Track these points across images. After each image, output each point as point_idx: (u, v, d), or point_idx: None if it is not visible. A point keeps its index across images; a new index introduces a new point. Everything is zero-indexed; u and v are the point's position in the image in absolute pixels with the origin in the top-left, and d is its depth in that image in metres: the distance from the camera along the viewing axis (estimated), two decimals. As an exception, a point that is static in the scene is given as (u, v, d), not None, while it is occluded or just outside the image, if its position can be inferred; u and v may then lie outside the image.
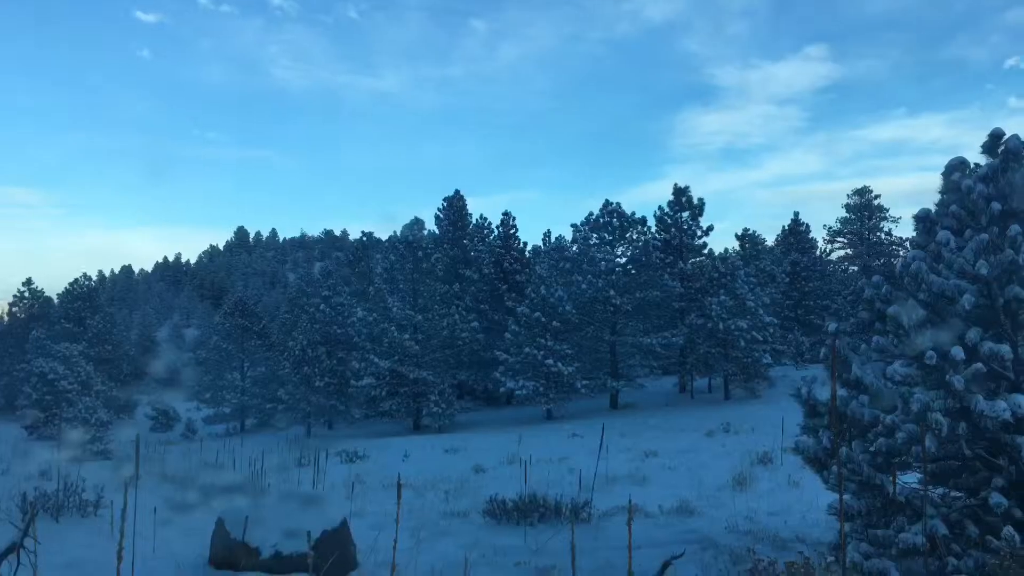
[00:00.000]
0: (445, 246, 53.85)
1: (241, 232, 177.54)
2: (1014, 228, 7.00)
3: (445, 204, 58.07)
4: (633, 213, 44.90)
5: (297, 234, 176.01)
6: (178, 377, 59.34)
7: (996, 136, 8.40)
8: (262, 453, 22.07)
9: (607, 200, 44.96)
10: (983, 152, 8.71)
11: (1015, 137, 7.69)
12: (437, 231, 58.21)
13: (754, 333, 39.75)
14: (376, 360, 43.38)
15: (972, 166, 8.94)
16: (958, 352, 6.33)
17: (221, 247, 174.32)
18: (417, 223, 47.96)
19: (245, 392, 51.45)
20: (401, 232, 55.07)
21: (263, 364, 52.43)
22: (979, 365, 6.29)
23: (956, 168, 8.79)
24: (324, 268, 77.89)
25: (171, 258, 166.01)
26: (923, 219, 8.77)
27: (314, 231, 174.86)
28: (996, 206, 7.33)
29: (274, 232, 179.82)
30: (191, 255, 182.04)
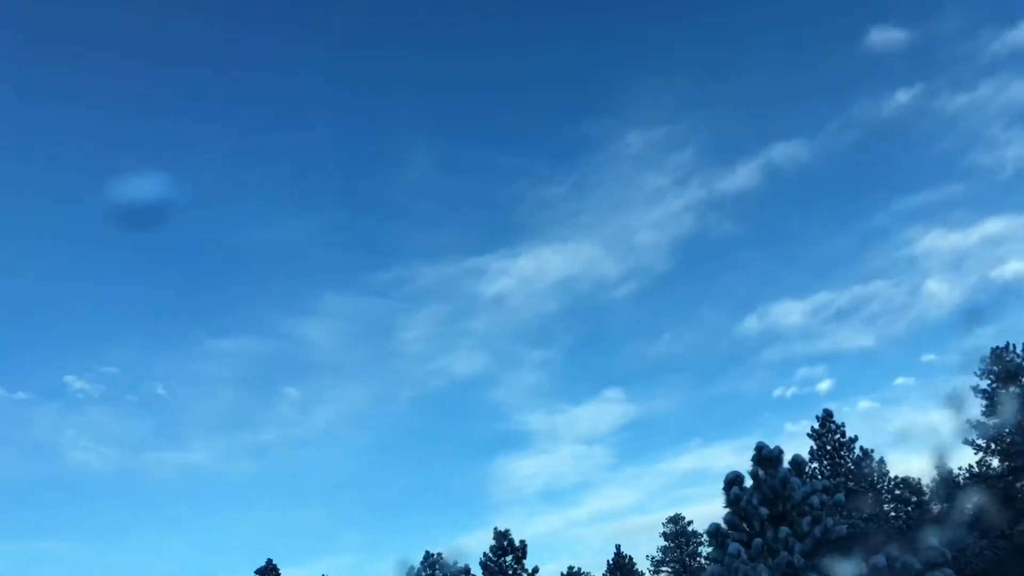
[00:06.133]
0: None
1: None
2: (783, 530, 7.39)
3: None
4: (455, 562, 42.90)
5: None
6: None
7: (759, 449, 9.20)
8: None
9: (427, 552, 42.91)
10: (752, 463, 9.46)
11: (765, 445, 8.46)
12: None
13: None
14: None
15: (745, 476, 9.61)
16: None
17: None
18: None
19: None
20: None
21: None
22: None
23: (733, 482, 9.41)
24: None
25: None
26: (714, 534, 9.10)
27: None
28: (763, 511, 7.78)
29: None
30: None
